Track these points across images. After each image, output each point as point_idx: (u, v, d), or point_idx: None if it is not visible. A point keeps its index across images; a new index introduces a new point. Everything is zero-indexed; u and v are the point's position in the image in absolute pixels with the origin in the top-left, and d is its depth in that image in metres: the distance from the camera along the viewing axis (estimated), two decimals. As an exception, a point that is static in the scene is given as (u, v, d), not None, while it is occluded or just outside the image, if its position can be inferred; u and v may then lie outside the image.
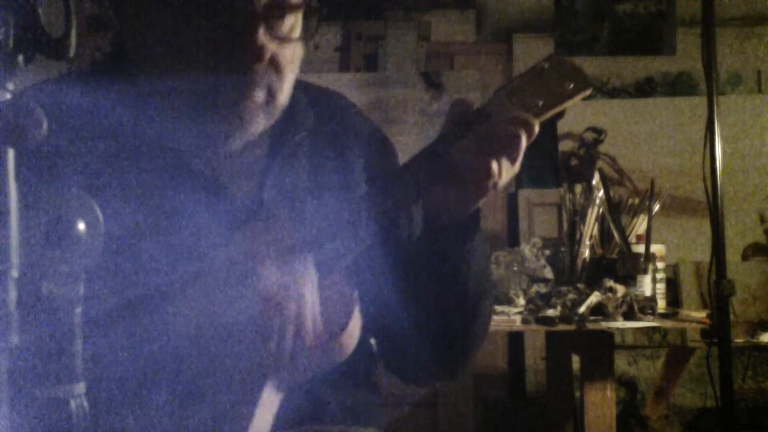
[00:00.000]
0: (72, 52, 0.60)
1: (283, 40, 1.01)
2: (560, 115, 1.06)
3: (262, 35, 0.98)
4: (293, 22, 1.02)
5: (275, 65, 1.00)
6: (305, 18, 1.04)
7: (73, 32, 0.61)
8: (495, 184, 1.00)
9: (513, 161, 1.00)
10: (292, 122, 1.09)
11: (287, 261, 0.95)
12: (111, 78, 1.03)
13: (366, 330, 1.05)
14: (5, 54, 0.57)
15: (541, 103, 1.02)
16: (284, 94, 1.03)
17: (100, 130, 1.00)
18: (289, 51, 1.02)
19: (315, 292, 0.96)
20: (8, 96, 0.56)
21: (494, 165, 0.98)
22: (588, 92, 1.05)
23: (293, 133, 1.09)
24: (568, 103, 1.05)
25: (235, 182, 1.05)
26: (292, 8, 1.00)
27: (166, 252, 0.98)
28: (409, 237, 1.10)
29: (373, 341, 1.16)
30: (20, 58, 0.58)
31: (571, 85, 1.04)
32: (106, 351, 0.90)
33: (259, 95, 1.00)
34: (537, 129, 1.00)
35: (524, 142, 0.99)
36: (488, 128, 0.99)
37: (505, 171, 1.00)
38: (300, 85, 1.09)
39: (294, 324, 0.94)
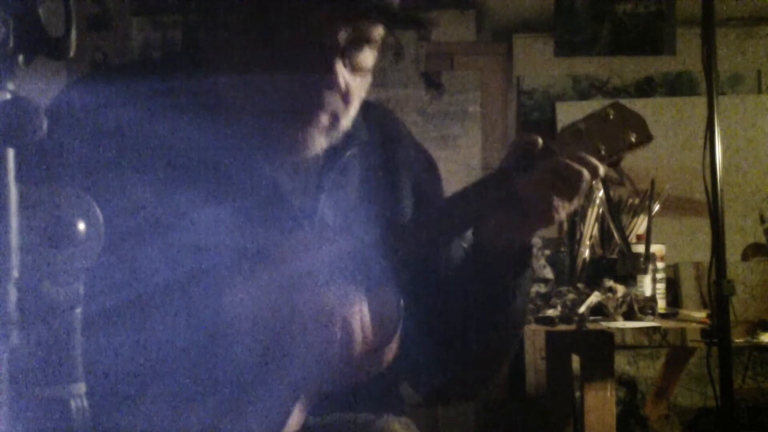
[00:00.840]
0: (72, 52, 0.60)
1: (358, 71, 1.02)
2: (617, 162, 1.07)
3: (340, 68, 0.99)
4: (370, 55, 1.03)
5: (345, 93, 1.01)
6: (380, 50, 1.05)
7: (73, 32, 0.60)
8: (555, 219, 1.05)
9: (572, 199, 1.04)
10: (346, 135, 1.09)
11: (339, 270, 0.97)
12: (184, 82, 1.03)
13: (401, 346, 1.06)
14: (5, 54, 0.57)
15: (603, 149, 1.05)
16: (348, 119, 1.04)
17: (159, 136, 1.00)
18: (361, 80, 1.03)
19: (365, 303, 0.97)
20: (8, 96, 0.56)
21: (558, 201, 1.03)
22: (649, 143, 1.07)
23: (347, 145, 1.09)
24: (629, 153, 1.07)
25: (292, 192, 1.06)
26: (372, 43, 1.02)
27: (221, 250, 0.99)
28: (450, 263, 1.14)
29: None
30: (20, 58, 0.57)
31: (634, 136, 1.06)
32: (162, 335, 0.92)
33: (324, 120, 1.01)
34: (603, 173, 1.04)
35: (587, 182, 1.03)
36: (554, 165, 1.02)
37: (565, 207, 1.04)
38: None
39: (343, 332, 0.95)
